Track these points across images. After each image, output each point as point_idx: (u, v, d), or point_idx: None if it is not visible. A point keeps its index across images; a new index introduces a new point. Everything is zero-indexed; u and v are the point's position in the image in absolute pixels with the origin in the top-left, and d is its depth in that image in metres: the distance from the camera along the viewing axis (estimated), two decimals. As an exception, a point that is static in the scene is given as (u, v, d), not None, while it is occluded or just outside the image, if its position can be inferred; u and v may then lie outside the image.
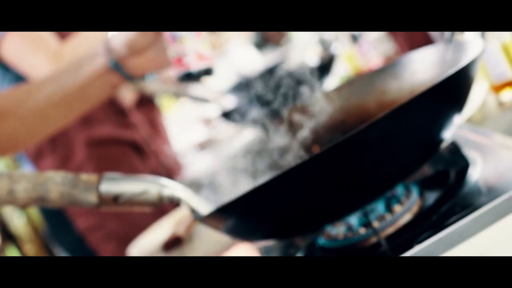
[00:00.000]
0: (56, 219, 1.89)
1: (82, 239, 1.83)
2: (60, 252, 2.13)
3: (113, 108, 1.85)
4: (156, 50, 1.22)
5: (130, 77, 1.29)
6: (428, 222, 0.77)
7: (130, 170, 1.74)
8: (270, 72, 2.42)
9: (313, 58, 2.26)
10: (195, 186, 0.96)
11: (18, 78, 1.69)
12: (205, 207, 0.85)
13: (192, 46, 1.10)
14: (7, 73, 1.71)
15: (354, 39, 2.26)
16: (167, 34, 1.12)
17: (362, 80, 1.06)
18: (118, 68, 1.25)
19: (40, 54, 1.62)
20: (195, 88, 2.09)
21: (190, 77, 1.07)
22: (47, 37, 1.65)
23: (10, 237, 4.05)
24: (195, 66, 1.09)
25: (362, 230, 0.83)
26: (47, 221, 2.04)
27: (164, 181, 0.86)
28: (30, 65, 1.64)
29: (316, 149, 1.01)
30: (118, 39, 1.22)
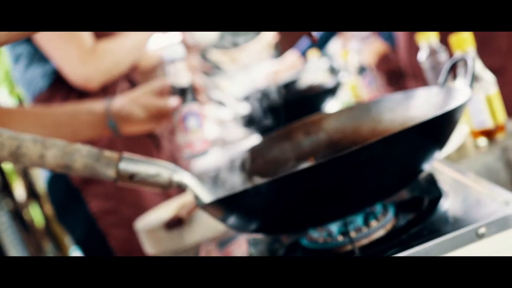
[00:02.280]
0: (68, 197, 1.74)
1: (92, 220, 1.71)
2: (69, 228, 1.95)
3: None
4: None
5: (119, 134, 1.34)
6: (398, 240, 0.77)
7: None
8: (282, 88, 2.43)
9: (322, 82, 2.27)
10: (202, 177, 0.96)
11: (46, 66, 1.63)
12: (207, 196, 0.85)
13: (199, 135, 1.26)
14: (46, 64, 1.63)
15: (361, 70, 2.27)
16: (182, 125, 1.27)
17: (360, 108, 1.06)
18: (114, 127, 1.30)
19: (73, 48, 1.55)
20: (214, 92, 2.10)
21: None
22: (83, 33, 1.57)
23: (35, 196, 4.07)
24: (200, 149, 1.28)
25: (340, 238, 0.84)
26: (59, 198, 1.82)
27: (176, 168, 0.86)
28: (62, 57, 1.56)
29: (311, 162, 1.02)
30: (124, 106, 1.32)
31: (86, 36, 1.57)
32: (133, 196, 1.68)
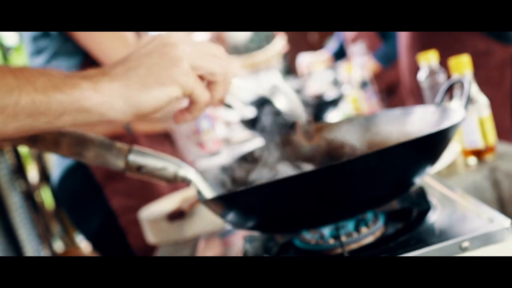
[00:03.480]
0: (85, 191, 1.68)
1: (111, 216, 1.65)
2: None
3: None
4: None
5: (130, 132, 1.32)
6: (386, 247, 0.77)
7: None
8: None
9: (325, 93, 2.27)
10: (206, 173, 0.96)
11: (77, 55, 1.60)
12: (209, 192, 0.85)
13: (211, 135, 1.27)
14: (71, 58, 1.60)
15: (363, 85, 2.27)
16: (195, 127, 1.29)
17: (360, 120, 1.06)
18: (127, 124, 1.29)
19: (117, 45, 1.52)
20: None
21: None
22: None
23: (47, 179, 4.07)
24: (212, 149, 1.32)
25: (331, 241, 0.84)
26: (74, 191, 1.72)
27: (182, 163, 0.86)
28: (105, 53, 1.53)
29: (309, 167, 1.02)
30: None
31: (129, 33, 1.55)
32: (155, 194, 1.64)
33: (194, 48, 0.73)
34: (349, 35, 3.21)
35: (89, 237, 1.77)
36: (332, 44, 3.37)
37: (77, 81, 0.67)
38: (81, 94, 0.66)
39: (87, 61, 1.58)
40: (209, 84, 0.76)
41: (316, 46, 3.41)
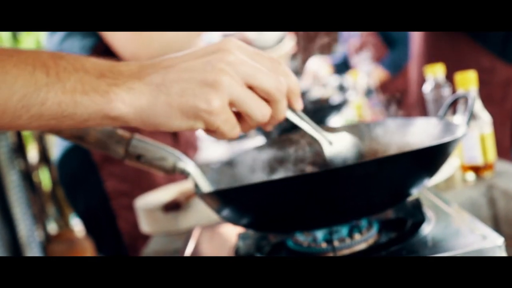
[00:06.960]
0: (83, 171, 1.68)
1: (104, 199, 1.65)
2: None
3: None
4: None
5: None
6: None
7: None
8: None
9: (330, 97, 2.27)
10: (204, 167, 0.96)
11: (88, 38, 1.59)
12: (206, 186, 0.86)
13: None
14: (85, 38, 1.59)
15: (368, 93, 2.27)
16: None
17: (362, 126, 1.06)
18: None
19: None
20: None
21: None
22: None
23: (46, 161, 4.07)
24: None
25: (324, 245, 0.84)
26: (73, 170, 1.72)
27: (181, 155, 0.87)
28: (112, 34, 1.50)
29: (308, 169, 1.02)
30: None
31: None
32: (149, 182, 1.64)
33: (246, 70, 0.68)
34: (353, 44, 3.21)
35: (82, 218, 1.77)
36: (337, 55, 3.38)
37: (107, 88, 0.65)
38: (109, 104, 0.65)
39: (101, 44, 1.57)
40: (268, 102, 0.71)
41: (325, 48, 3.41)
